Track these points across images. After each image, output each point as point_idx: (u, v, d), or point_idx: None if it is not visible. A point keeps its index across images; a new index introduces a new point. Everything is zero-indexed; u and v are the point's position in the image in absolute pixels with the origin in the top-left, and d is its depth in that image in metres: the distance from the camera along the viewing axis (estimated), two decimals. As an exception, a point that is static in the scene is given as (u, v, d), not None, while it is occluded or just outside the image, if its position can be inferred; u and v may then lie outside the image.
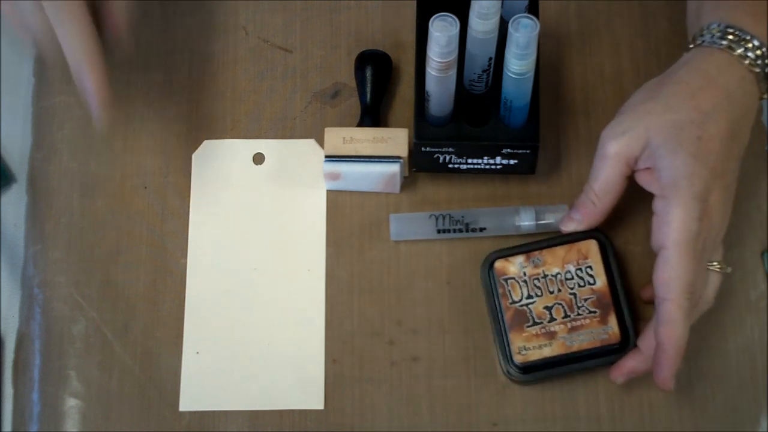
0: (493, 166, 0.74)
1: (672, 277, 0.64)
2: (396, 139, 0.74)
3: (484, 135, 0.72)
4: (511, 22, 0.65)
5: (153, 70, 0.80)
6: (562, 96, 0.79)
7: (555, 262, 0.71)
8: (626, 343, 0.70)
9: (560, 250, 0.71)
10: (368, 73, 0.77)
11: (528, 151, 0.72)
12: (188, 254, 0.76)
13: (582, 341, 0.69)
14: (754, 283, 0.75)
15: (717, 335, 0.74)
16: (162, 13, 0.82)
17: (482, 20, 0.67)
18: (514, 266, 0.71)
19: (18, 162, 0.82)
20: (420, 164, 0.74)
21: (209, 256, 0.76)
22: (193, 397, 0.73)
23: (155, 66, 0.80)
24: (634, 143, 0.66)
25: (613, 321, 0.70)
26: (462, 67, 0.72)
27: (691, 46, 0.68)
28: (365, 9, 0.82)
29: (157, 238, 0.77)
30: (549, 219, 0.74)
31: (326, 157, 0.74)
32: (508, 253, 0.72)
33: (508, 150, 0.72)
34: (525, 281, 0.71)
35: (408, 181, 0.77)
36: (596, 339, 0.69)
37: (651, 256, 0.67)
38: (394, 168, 0.74)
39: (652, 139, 0.65)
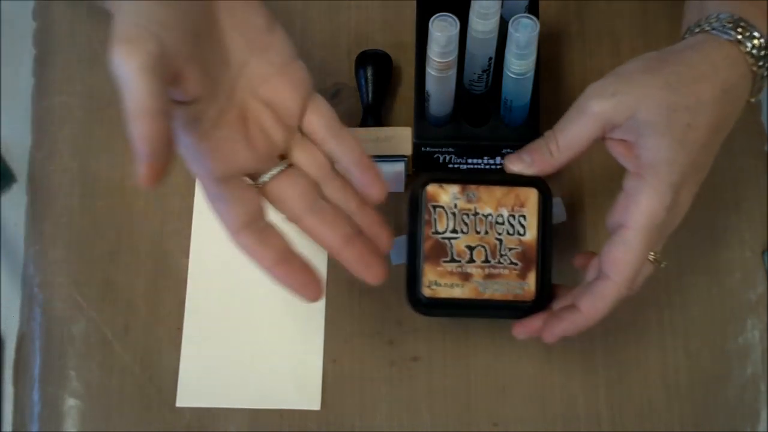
0: (493, 166, 0.74)
1: (625, 260, 0.62)
2: (399, 138, 0.74)
3: (484, 135, 0.72)
4: (511, 22, 0.65)
5: (153, 70, 0.80)
6: (562, 96, 0.79)
7: (490, 201, 0.66)
8: (539, 303, 0.66)
9: (498, 191, 0.66)
10: (369, 73, 0.77)
11: (528, 151, 0.72)
12: (190, 253, 0.76)
13: (495, 291, 0.66)
14: (754, 283, 0.75)
15: (717, 335, 0.74)
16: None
17: (482, 20, 0.67)
18: (446, 195, 0.66)
19: (18, 162, 0.82)
20: (420, 164, 0.74)
21: (211, 254, 0.76)
22: (190, 394, 0.73)
23: (155, 66, 0.80)
24: (620, 109, 0.63)
25: (531, 278, 0.66)
26: (462, 67, 0.72)
27: (696, 29, 0.65)
28: (365, 9, 0.82)
29: (157, 238, 0.77)
30: None
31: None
32: (443, 177, 0.67)
33: (508, 150, 0.72)
34: (454, 213, 0.66)
35: (409, 181, 0.77)
36: (510, 292, 0.66)
37: (593, 225, 0.65)
38: (399, 167, 0.74)
39: (641, 113, 0.62)
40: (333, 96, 0.80)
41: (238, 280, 0.75)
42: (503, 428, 0.72)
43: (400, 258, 0.75)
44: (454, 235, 0.66)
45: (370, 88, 0.77)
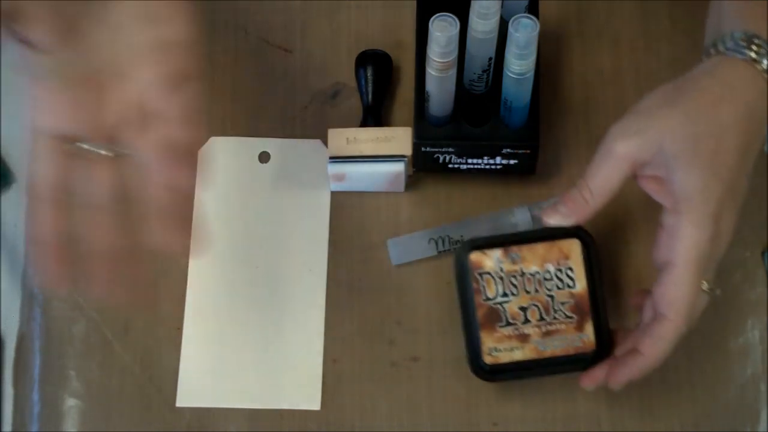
0: (493, 166, 0.74)
1: (677, 298, 0.62)
2: (399, 138, 0.74)
3: (484, 135, 0.72)
4: (511, 22, 0.65)
5: (153, 70, 0.80)
6: (562, 96, 0.79)
7: (534, 259, 0.67)
8: (601, 352, 0.67)
9: (540, 248, 0.67)
10: (369, 73, 0.77)
11: (528, 151, 0.72)
12: (190, 252, 0.76)
13: (555, 347, 0.67)
14: (754, 283, 0.75)
15: (717, 335, 0.74)
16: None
17: (482, 20, 0.67)
18: (490, 260, 0.67)
19: (18, 162, 0.82)
20: (420, 164, 0.74)
21: (212, 254, 0.76)
22: (190, 394, 0.73)
23: (155, 66, 0.80)
24: (646, 147, 0.62)
25: (589, 328, 0.67)
26: (462, 67, 0.72)
27: (712, 51, 0.64)
28: (365, 9, 0.82)
29: (157, 238, 0.76)
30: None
31: (330, 158, 0.74)
32: (484, 243, 0.67)
33: (508, 150, 0.72)
34: (501, 277, 0.67)
35: (409, 181, 0.77)
36: (570, 346, 0.67)
37: (646, 260, 0.65)
38: (399, 167, 0.74)
39: (667, 147, 0.62)
40: (333, 96, 0.80)
41: (238, 281, 0.75)
42: (503, 428, 0.72)
43: (399, 258, 0.75)
44: (504, 299, 0.67)
45: (370, 88, 0.77)
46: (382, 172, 0.74)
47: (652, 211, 0.65)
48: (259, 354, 0.74)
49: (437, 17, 0.65)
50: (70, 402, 0.74)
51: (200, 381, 0.73)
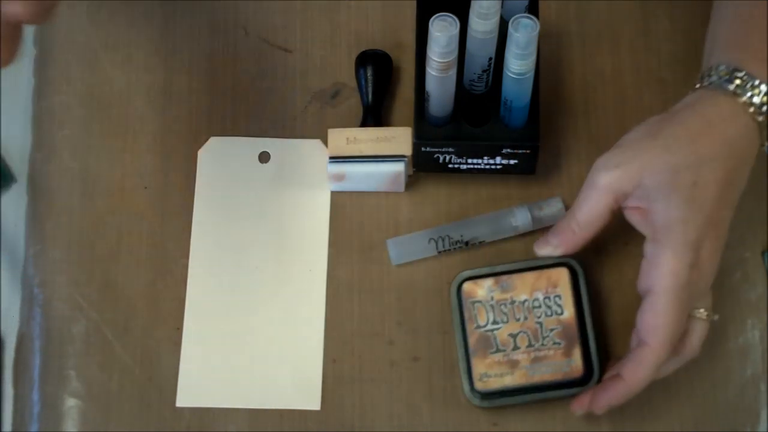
0: (493, 166, 0.74)
1: (658, 325, 0.64)
2: (399, 138, 0.74)
3: (484, 135, 0.72)
4: (511, 22, 0.65)
5: (153, 70, 0.80)
6: (562, 96, 0.79)
7: (524, 288, 0.70)
8: (588, 377, 0.69)
9: (530, 276, 0.70)
10: (369, 73, 0.77)
11: (528, 151, 0.72)
12: (190, 252, 0.76)
13: (544, 372, 0.69)
14: (754, 283, 0.75)
15: (717, 335, 0.73)
16: (162, 13, 0.82)
17: (482, 20, 0.67)
18: (482, 290, 0.70)
19: (18, 162, 0.82)
20: (420, 164, 0.74)
21: (211, 253, 0.76)
22: (190, 394, 0.73)
23: (155, 66, 0.80)
24: (626, 179, 0.64)
25: (577, 354, 0.69)
26: (462, 67, 0.72)
27: (698, 85, 0.66)
28: (365, 9, 0.81)
29: (158, 238, 0.77)
30: (543, 213, 0.74)
31: (330, 158, 0.74)
32: (477, 274, 0.70)
33: (508, 150, 0.72)
34: (492, 306, 0.70)
35: (409, 181, 0.77)
36: (558, 371, 0.69)
37: (634, 287, 0.67)
38: (399, 167, 0.74)
39: (646, 179, 0.64)
40: (333, 96, 0.80)
41: (238, 280, 0.75)
42: (503, 428, 0.72)
43: (399, 258, 0.75)
44: (495, 326, 0.70)
45: (370, 88, 0.77)
46: (382, 172, 0.74)
47: (643, 238, 0.67)
48: (259, 354, 0.74)
49: (437, 17, 0.65)
50: (70, 402, 0.74)
51: (200, 381, 0.73)
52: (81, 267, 0.76)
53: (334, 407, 0.73)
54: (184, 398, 0.73)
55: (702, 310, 0.67)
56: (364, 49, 0.79)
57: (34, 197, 0.78)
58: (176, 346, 0.74)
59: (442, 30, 0.65)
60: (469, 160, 0.74)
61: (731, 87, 0.64)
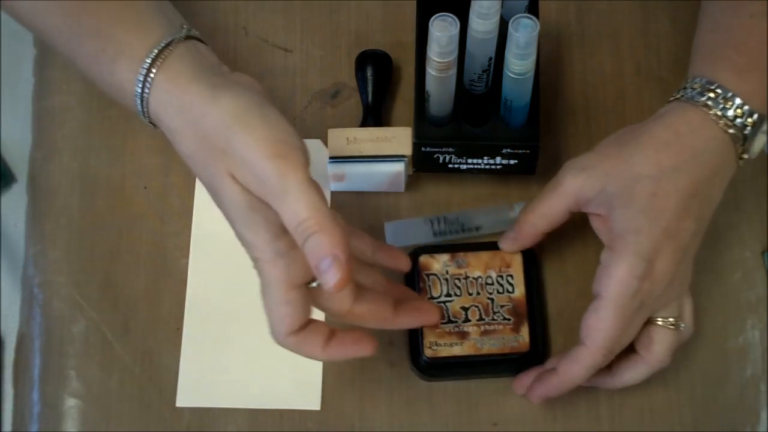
0: (493, 166, 0.74)
1: (597, 329, 0.64)
2: (399, 138, 0.74)
3: (484, 135, 0.72)
4: (511, 22, 0.65)
5: (153, 70, 0.80)
6: (562, 96, 0.79)
7: (478, 265, 0.72)
8: (534, 354, 0.71)
9: (485, 255, 0.73)
10: (369, 73, 0.78)
11: (528, 151, 0.72)
12: (190, 252, 0.76)
13: (492, 345, 0.71)
14: (754, 283, 0.75)
15: (717, 335, 0.74)
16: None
17: (482, 20, 0.67)
18: (438, 263, 0.73)
19: (18, 162, 0.82)
20: (420, 164, 0.74)
21: (211, 253, 0.76)
22: (190, 394, 0.73)
23: (155, 66, 0.80)
24: (589, 184, 0.65)
25: (524, 331, 0.71)
26: (462, 67, 0.72)
27: (672, 98, 0.67)
28: (365, 9, 0.82)
29: (157, 238, 0.77)
30: None
31: (330, 158, 0.74)
32: (434, 250, 0.73)
33: (508, 150, 0.72)
34: (446, 279, 0.72)
35: (409, 181, 0.77)
36: (506, 345, 0.71)
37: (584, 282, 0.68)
38: (399, 167, 0.74)
39: (608, 186, 0.65)
40: (333, 96, 0.80)
41: (238, 280, 0.75)
42: (503, 428, 0.72)
43: (396, 242, 0.75)
44: (448, 298, 0.72)
45: (370, 88, 0.77)
46: (382, 172, 0.74)
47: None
48: (259, 354, 0.74)
49: (437, 17, 0.65)
50: (70, 402, 0.74)
51: (200, 381, 0.73)
52: (81, 267, 0.76)
53: (334, 407, 0.73)
54: (184, 398, 0.73)
55: (669, 319, 0.67)
56: (364, 49, 0.79)
57: (34, 197, 0.78)
58: (176, 346, 0.74)
59: (442, 30, 0.65)
60: (469, 160, 0.74)
61: (703, 99, 0.64)
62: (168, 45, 0.63)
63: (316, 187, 0.59)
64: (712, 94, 0.64)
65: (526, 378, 0.69)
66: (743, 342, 0.74)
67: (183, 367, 0.74)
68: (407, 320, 0.67)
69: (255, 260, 0.62)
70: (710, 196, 0.66)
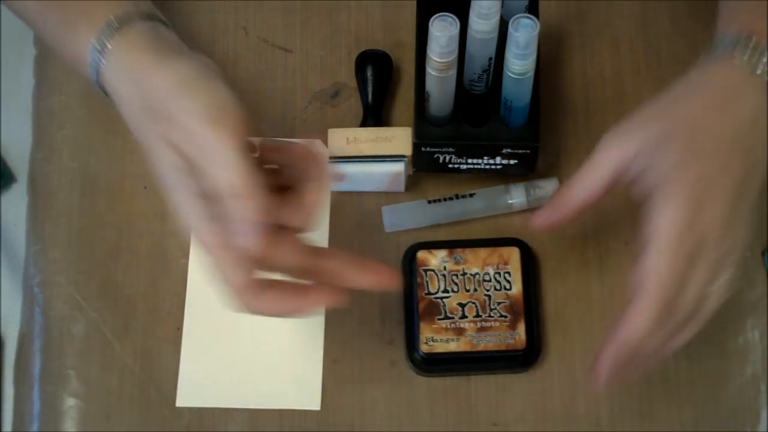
0: (493, 166, 0.74)
1: (650, 272, 0.60)
2: (399, 138, 0.74)
3: (484, 135, 0.72)
4: (511, 22, 0.65)
5: (153, 70, 0.80)
6: (562, 96, 0.79)
7: (476, 262, 0.73)
8: (531, 351, 0.71)
9: (483, 252, 0.73)
10: (369, 73, 0.78)
11: (528, 152, 0.72)
12: (190, 252, 0.76)
13: (488, 342, 0.71)
14: (754, 283, 0.75)
15: (717, 335, 0.74)
16: (162, 14, 0.82)
17: (482, 20, 0.67)
18: (435, 259, 0.73)
19: (18, 162, 0.82)
20: (420, 164, 0.74)
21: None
22: (190, 394, 0.73)
23: (155, 66, 0.80)
24: (626, 144, 0.63)
25: (521, 328, 0.71)
26: (462, 67, 0.72)
27: (705, 57, 0.65)
28: (365, 9, 0.82)
29: (157, 238, 0.77)
30: (539, 193, 0.74)
31: (330, 158, 0.74)
32: (432, 245, 0.73)
33: (508, 150, 0.72)
34: (444, 275, 0.73)
35: (409, 181, 0.77)
36: (502, 342, 0.71)
37: (590, 278, 0.68)
38: (399, 167, 0.74)
39: (647, 134, 0.63)
40: (333, 96, 0.80)
41: (238, 280, 0.75)
42: (503, 428, 0.72)
43: (392, 227, 0.75)
44: (445, 294, 0.72)
45: (370, 88, 0.77)
46: (382, 172, 0.74)
47: (603, 236, 0.68)
48: (259, 354, 0.74)
49: (437, 17, 0.65)
50: (70, 402, 0.74)
51: (200, 381, 0.73)
52: (81, 267, 0.76)
53: (334, 407, 0.73)
54: (184, 398, 0.73)
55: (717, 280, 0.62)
56: (364, 49, 0.79)
57: (34, 197, 0.78)
58: (176, 346, 0.74)
59: (442, 30, 0.65)
60: (469, 160, 0.74)
61: (731, 50, 0.63)
62: (129, 20, 0.64)
63: (249, 154, 0.60)
64: (742, 47, 0.63)
65: (551, 213, 0.66)
66: (743, 342, 0.74)
67: (183, 366, 0.74)
68: (368, 281, 0.64)
69: (187, 227, 0.62)
70: (754, 145, 0.63)
